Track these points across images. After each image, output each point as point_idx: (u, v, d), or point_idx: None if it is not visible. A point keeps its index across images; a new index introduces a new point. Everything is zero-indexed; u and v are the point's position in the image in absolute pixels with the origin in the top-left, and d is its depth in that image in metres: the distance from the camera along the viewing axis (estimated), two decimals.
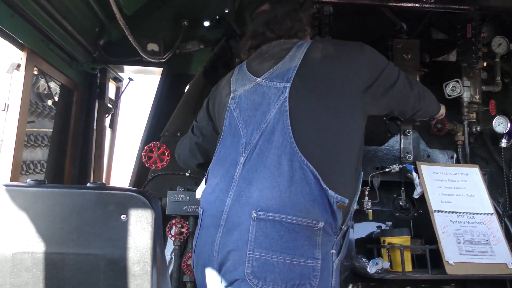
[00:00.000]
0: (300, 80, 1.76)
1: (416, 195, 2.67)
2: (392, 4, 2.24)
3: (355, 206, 1.81)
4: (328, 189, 1.60)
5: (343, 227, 1.70)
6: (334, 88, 1.77)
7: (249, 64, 1.97)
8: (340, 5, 2.29)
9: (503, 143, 2.90)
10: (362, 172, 1.89)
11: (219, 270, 1.64)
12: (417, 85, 2.14)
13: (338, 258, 1.67)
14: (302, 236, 1.57)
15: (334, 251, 1.64)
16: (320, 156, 1.65)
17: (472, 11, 2.34)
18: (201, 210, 1.83)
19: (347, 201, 1.63)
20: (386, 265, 2.45)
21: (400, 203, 2.86)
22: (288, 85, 1.74)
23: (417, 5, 2.24)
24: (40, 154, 4.00)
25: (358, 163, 1.82)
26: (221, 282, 1.64)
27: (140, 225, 1.38)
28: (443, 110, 2.50)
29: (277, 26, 2.01)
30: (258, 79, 1.85)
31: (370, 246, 2.75)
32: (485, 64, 2.95)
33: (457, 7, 2.29)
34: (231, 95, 1.91)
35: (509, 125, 2.81)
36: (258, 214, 1.58)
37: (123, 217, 1.38)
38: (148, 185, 2.73)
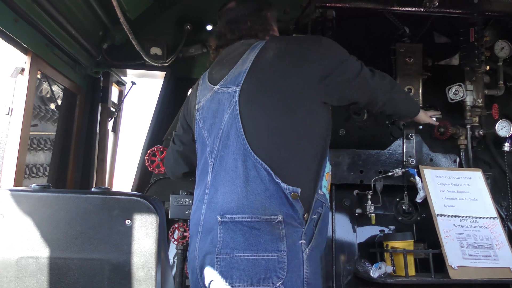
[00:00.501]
0: (250, 82, 1.78)
1: (419, 199, 2.67)
2: (395, 8, 2.25)
3: (322, 192, 1.79)
4: (280, 182, 1.64)
5: (305, 216, 1.70)
6: (286, 84, 1.78)
7: (210, 73, 2.02)
8: (343, 9, 2.30)
9: (506, 147, 2.90)
10: (327, 158, 1.88)
11: (200, 274, 1.71)
12: (390, 81, 2.10)
13: (309, 247, 1.68)
14: (264, 232, 1.62)
15: (303, 241, 1.66)
16: (272, 153, 1.69)
17: (475, 15, 2.34)
18: (189, 221, 1.93)
19: (299, 190, 1.65)
20: (389, 269, 2.45)
21: (403, 207, 2.86)
22: (238, 89, 1.78)
23: (420, 9, 2.24)
24: (42, 157, 4.00)
25: (320, 151, 1.82)
26: (203, 285, 1.71)
27: (144, 230, 1.39)
28: (424, 117, 2.42)
29: (237, 27, 2.02)
30: (215, 87, 1.90)
31: (373, 250, 2.75)
32: (487, 68, 2.95)
33: (459, 11, 2.29)
34: (196, 106, 1.99)
35: None
36: (222, 217, 1.67)
37: (127, 222, 1.39)
38: (150, 189, 2.74)
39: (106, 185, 3.42)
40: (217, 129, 1.82)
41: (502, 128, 2.81)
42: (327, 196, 1.85)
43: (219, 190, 1.73)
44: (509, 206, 2.95)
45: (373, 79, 1.98)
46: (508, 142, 2.89)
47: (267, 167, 1.66)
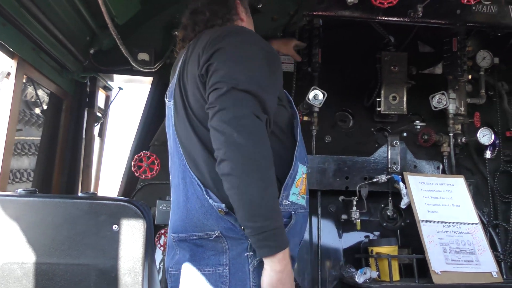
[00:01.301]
0: (177, 93, 1.68)
1: (403, 205, 2.71)
2: (380, 18, 2.29)
3: (287, 202, 1.63)
4: (209, 198, 1.56)
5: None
6: (193, 90, 1.62)
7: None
8: (330, 18, 2.33)
9: (488, 154, 2.98)
10: (298, 164, 1.71)
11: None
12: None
13: (257, 259, 1.52)
14: (207, 248, 1.57)
15: (249, 253, 1.53)
16: (202, 167, 1.58)
17: (457, 25, 2.40)
18: None
19: (223, 205, 1.51)
20: (374, 274, 2.48)
21: (388, 213, 2.90)
22: (172, 103, 1.72)
23: (404, 19, 2.29)
24: (26, 162, 3.96)
25: (277, 161, 1.65)
26: None
27: (131, 235, 1.39)
28: None
29: (195, 19, 1.84)
30: (166, 101, 1.82)
31: (358, 256, 2.78)
32: (470, 77, 3.04)
33: (442, 21, 2.35)
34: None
35: (493, 136, 2.88)
36: (173, 236, 1.66)
37: (114, 227, 1.39)
38: (137, 194, 2.73)
39: (92, 191, 3.40)
40: (169, 145, 1.78)
41: (483, 136, 2.88)
42: (301, 202, 1.70)
43: (172, 208, 1.73)
44: (490, 212, 3.02)
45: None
46: (489, 150, 2.97)
47: (200, 183, 1.57)
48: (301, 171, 1.71)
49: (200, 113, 1.57)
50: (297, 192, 1.67)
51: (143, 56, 2.89)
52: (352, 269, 2.65)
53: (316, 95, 2.65)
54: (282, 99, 1.70)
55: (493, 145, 2.94)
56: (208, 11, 1.82)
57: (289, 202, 1.63)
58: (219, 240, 1.56)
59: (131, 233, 1.40)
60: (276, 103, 1.56)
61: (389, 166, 2.83)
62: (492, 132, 2.89)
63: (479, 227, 2.65)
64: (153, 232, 1.51)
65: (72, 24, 2.67)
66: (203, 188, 1.57)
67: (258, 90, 1.43)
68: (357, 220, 2.74)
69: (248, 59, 1.51)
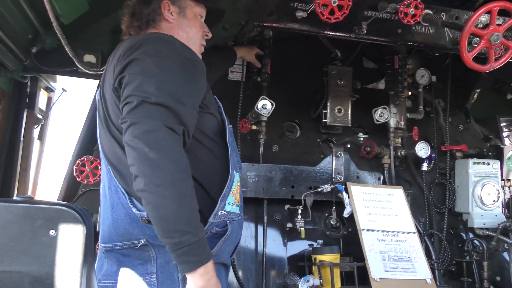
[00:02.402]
0: (100, 103, 1.68)
1: (346, 214, 2.80)
2: (328, 33, 2.37)
3: (223, 212, 1.62)
4: (132, 207, 1.53)
5: None
6: (111, 102, 1.59)
7: None
8: (280, 30, 2.39)
9: (424, 166, 3.16)
10: (234, 174, 1.71)
11: None
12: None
13: None
14: (134, 257, 1.55)
15: None
16: (127, 176, 1.53)
17: (399, 44, 2.54)
18: None
19: (145, 214, 1.48)
20: (317, 282, 2.53)
21: (331, 222, 2.98)
22: (97, 110, 1.72)
23: (350, 35, 2.39)
24: None
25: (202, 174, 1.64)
26: None
27: (70, 241, 1.33)
28: None
29: (123, 19, 1.80)
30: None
31: (302, 264, 2.82)
32: (409, 93, 3.21)
33: (385, 39, 2.46)
34: None
35: (429, 150, 3.06)
36: (101, 246, 1.65)
37: (52, 232, 1.32)
38: (78, 200, 2.63)
39: (29, 195, 3.22)
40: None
41: (421, 149, 3.04)
42: (236, 210, 1.68)
43: (101, 218, 1.69)
44: (426, 222, 3.18)
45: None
46: (426, 162, 3.14)
47: (124, 191, 1.55)
48: (237, 179, 1.69)
49: (120, 126, 1.51)
50: (232, 201, 1.65)
51: (89, 58, 2.81)
52: (296, 277, 2.68)
53: (265, 105, 2.69)
54: (209, 105, 1.65)
55: (429, 158, 3.12)
56: (131, 12, 1.76)
57: (225, 212, 1.61)
58: (145, 248, 1.53)
59: (70, 239, 1.34)
60: (195, 112, 1.51)
61: (334, 176, 2.91)
62: (429, 146, 3.06)
63: (416, 236, 2.78)
64: (93, 239, 1.46)
65: (13, 21, 2.54)
66: (127, 197, 1.53)
67: (171, 101, 1.39)
68: (302, 228, 2.78)
69: (162, 69, 1.46)
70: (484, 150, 3.31)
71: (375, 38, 2.45)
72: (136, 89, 1.40)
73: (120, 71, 1.48)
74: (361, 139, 2.86)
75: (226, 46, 2.83)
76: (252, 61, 2.85)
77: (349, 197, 2.80)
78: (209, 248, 1.43)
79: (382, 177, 3.04)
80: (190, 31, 1.80)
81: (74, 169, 2.53)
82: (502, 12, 1.96)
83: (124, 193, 1.54)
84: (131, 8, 1.77)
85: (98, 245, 1.76)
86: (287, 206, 2.89)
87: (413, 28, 2.46)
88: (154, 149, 1.33)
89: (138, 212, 1.51)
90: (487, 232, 3.04)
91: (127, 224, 1.54)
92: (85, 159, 2.54)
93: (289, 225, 2.85)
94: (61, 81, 3.34)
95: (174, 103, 1.40)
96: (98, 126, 1.69)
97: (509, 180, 3.25)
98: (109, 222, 1.60)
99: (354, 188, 2.85)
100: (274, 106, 2.70)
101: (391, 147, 3.08)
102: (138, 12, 1.75)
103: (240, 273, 2.72)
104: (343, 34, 2.40)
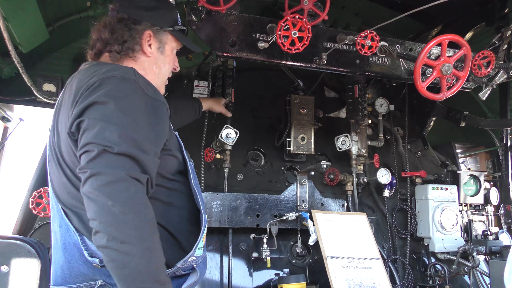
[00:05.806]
0: (51, 137, 1.58)
1: (311, 242, 2.79)
2: (289, 63, 2.43)
3: (193, 258, 1.58)
4: (84, 250, 1.44)
5: None
6: (65, 143, 1.48)
7: None
8: (242, 59, 2.43)
9: (386, 192, 3.23)
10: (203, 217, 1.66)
11: None
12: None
13: None
14: None
15: None
16: (79, 214, 1.47)
17: (357, 74, 2.63)
18: None
19: (97, 260, 1.42)
20: None
21: (297, 250, 2.97)
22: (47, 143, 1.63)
23: (311, 65, 2.46)
24: None
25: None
26: None
27: (24, 277, 1.26)
28: None
29: (99, 34, 1.66)
30: None
31: None
32: (370, 121, 3.31)
33: (344, 69, 2.55)
34: None
35: (390, 176, 3.13)
36: None
37: (3, 268, 1.25)
38: (34, 234, 2.52)
39: None
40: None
41: (382, 176, 3.12)
42: (202, 252, 1.61)
43: (53, 257, 1.57)
44: (389, 248, 3.23)
45: None
46: (387, 188, 3.22)
47: (75, 231, 1.46)
48: (206, 221, 1.64)
49: (74, 166, 1.43)
50: (202, 245, 1.60)
51: (48, 87, 2.74)
52: None
53: (229, 134, 2.70)
54: (171, 147, 1.59)
55: (390, 184, 3.20)
56: (110, 29, 1.64)
57: (194, 258, 1.56)
58: None
59: (24, 275, 1.28)
60: (157, 159, 1.43)
61: (298, 204, 2.92)
62: (390, 173, 3.14)
63: (380, 262, 2.80)
64: (49, 273, 1.39)
65: None
66: (78, 237, 1.44)
67: (135, 151, 1.32)
68: (268, 257, 2.76)
69: (125, 114, 1.36)
70: (442, 175, 3.42)
71: (335, 68, 2.54)
72: (97, 136, 1.30)
73: (78, 114, 1.37)
74: (324, 166, 2.90)
75: (192, 97, 2.85)
76: (222, 111, 2.81)
77: (314, 225, 2.80)
78: None
79: (346, 204, 3.08)
80: (163, 68, 1.75)
81: (31, 201, 2.44)
82: (452, 45, 2.08)
83: (75, 232, 1.44)
84: (111, 26, 1.65)
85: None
86: (252, 235, 2.86)
87: (371, 59, 2.57)
88: (117, 202, 1.24)
89: (90, 258, 1.41)
90: (448, 256, 3.11)
91: (82, 265, 1.45)
92: (42, 190, 2.46)
93: (255, 254, 2.82)
94: (19, 110, 3.23)
95: (137, 152, 1.32)
96: (49, 158, 1.56)
97: (466, 204, 3.37)
98: (62, 262, 1.50)
99: (318, 216, 2.87)
100: (238, 134, 2.71)
101: (354, 174, 3.14)
102: (119, 34, 1.64)
103: None
104: (304, 65, 2.47)
